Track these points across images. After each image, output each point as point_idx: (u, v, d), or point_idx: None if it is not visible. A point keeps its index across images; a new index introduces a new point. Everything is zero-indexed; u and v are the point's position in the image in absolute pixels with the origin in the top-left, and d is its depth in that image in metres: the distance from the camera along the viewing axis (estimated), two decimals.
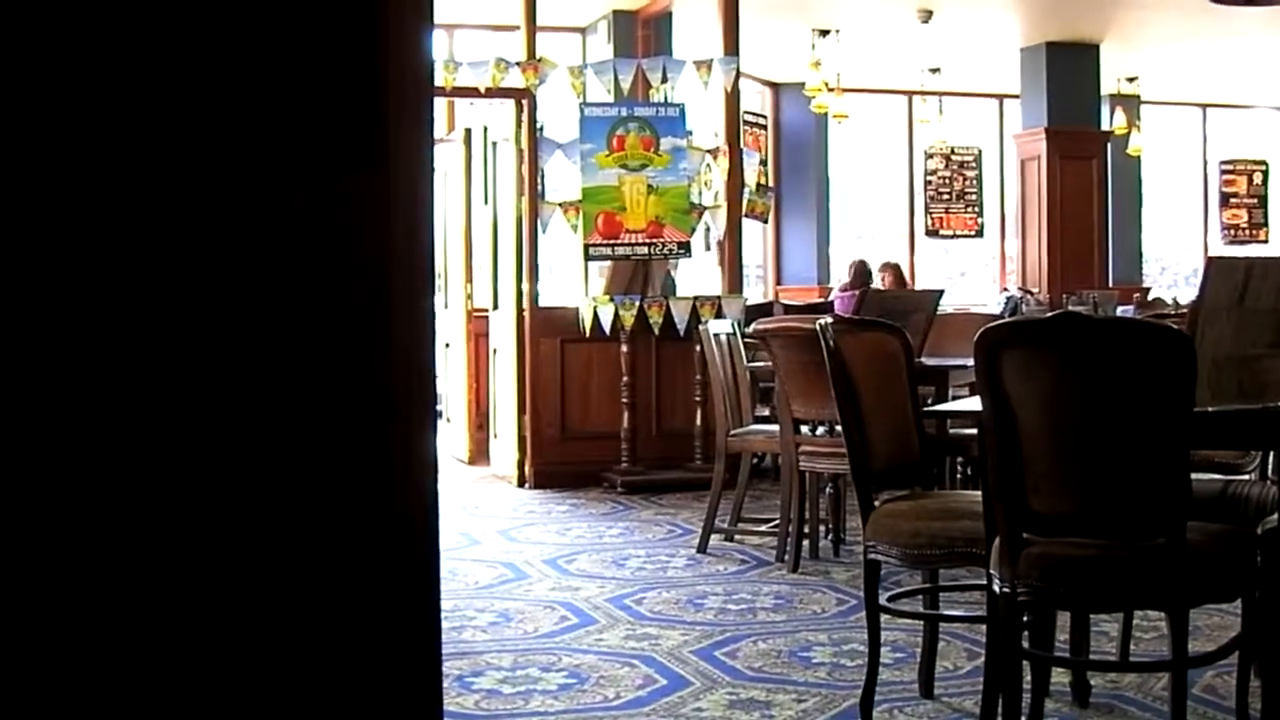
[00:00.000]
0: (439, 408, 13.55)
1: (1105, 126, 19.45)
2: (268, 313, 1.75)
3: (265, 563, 1.93)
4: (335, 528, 1.89)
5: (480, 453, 12.71)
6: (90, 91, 1.83)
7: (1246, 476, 5.51)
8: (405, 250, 1.58)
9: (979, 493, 4.67)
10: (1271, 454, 5.24)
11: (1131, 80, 20.50)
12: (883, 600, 5.17)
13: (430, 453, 1.89)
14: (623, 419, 11.23)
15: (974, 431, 5.13)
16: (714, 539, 8.43)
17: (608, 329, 11.24)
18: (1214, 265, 4.33)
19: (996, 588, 4.19)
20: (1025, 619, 4.61)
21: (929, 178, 20.14)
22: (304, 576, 1.94)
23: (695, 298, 11.49)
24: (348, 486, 1.88)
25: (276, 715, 2.01)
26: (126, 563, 1.96)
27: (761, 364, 8.62)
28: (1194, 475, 4.18)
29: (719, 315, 10.88)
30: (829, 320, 5.04)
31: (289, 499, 1.86)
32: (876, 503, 4.99)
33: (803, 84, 17.03)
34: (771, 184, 17.67)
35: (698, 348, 10.53)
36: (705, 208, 11.68)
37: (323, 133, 1.65)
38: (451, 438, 13.14)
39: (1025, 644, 4.64)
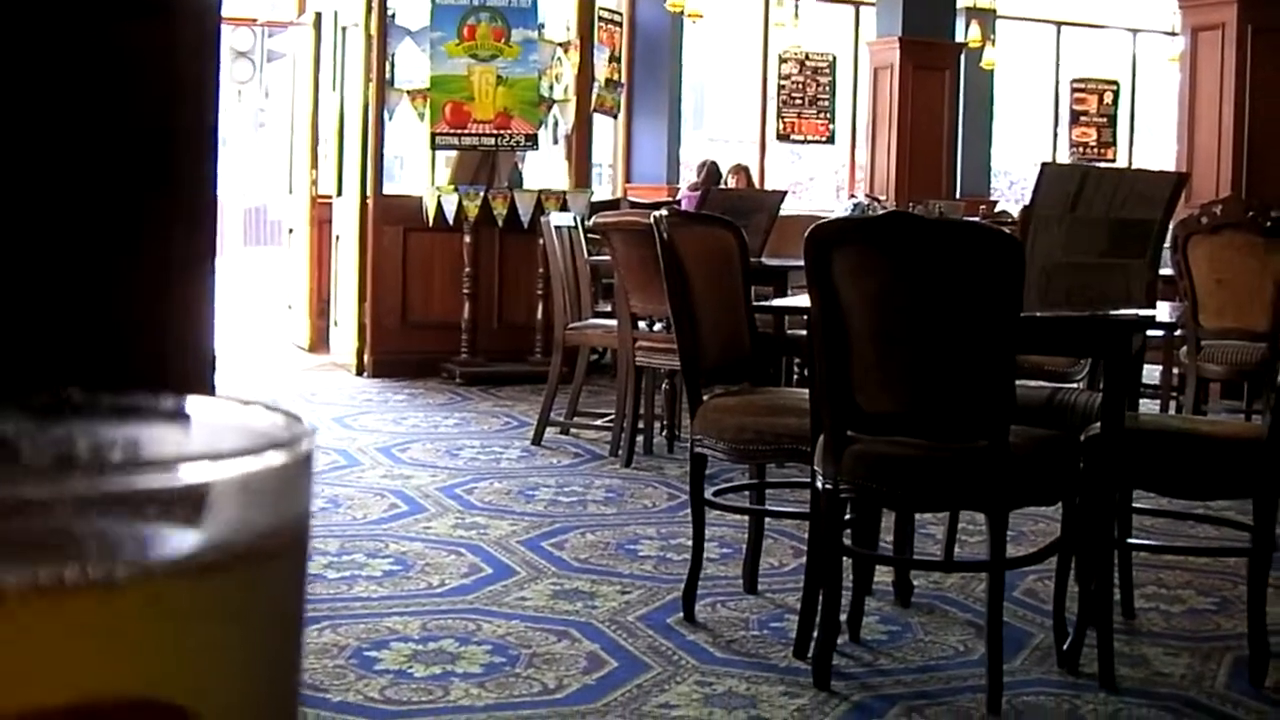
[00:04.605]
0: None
1: (960, 39, 19.54)
2: (41, 166, 1.67)
3: None
4: None
5: (320, 340, 12.59)
6: None
7: (1075, 385, 5.57)
8: (192, 97, 1.50)
9: (808, 390, 4.68)
10: (1099, 362, 5.29)
11: None
12: (709, 494, 5.18)
13: (208, 339, 1.79)
14: (464, 310, 11.13)
15: None
16: (549, 432, 8.42)
17: (451, 219, 11.13)
18: (1047, 172, 4.32)
19: (820, 484, 4.21)
20: (849, 517, 4.64)
21: (783, 82, 20.10)
22: None
23: (541, 191, 11.39)
24: (114, 366, 1.79)
25: None
26: None
27: (603, 259, 8.57)
28: (1024, 382, 4.21)
29: (564, 209, 10.80)
30: (663, 214, 5.01)
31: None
32: (706, 397, 4.99)
33: None
34: (624, 81, 17.58)
35: (541, 241, 10.46)
36: (554, 101, 11.59)
37: None
38: (292, 324, 12.99)
39: (849, 542, 4.68)
